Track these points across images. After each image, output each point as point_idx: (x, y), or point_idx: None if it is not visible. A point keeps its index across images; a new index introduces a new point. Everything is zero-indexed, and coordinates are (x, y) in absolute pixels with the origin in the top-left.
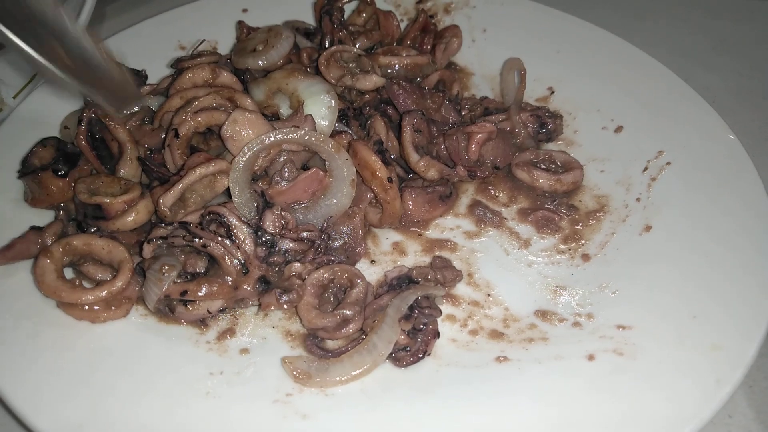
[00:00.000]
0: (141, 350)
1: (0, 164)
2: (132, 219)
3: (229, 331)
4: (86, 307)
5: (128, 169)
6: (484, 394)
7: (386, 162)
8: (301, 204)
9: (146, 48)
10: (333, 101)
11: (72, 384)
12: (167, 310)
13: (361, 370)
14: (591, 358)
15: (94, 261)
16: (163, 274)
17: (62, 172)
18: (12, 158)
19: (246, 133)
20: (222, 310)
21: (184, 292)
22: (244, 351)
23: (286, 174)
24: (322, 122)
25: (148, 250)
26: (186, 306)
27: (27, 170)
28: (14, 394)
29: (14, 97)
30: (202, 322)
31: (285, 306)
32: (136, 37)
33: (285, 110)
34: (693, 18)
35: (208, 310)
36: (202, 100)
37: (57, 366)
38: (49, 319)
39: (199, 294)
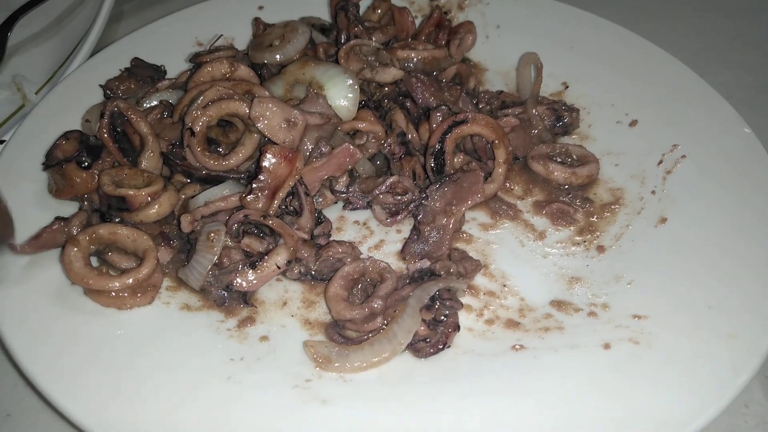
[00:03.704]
0: (163, 336)
1: (24, 157)
2: (155, 211)
3: (249, 320)
4: (113, 294)
5: (150, 162)
6: (500, 382)
7: (410, 153)
8: None
9: (164, 45)
10: (351, 80)
11: (97, 368)
12: (218, 286)
13: (380, 358)
14: (607, 346)
15: (119, 250)
16: (212, 240)
17: (86, 164)
18: (35, 151)
19: (272, 112)
20: (288, 262)
21: (247, 254)
22: (264, 338)
23: (323, 150)
24: (344, 102)
25: (185, 222)
26: (254, 268)
27: (51, 162)
28: (42, 378)
29: (36, 93)
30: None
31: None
32: (154, 35)
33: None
34: (708, 15)
35: (277, 266)
36: (207, 93)
37: (82, 351)
38: (75, 306)
39: (267, 244)
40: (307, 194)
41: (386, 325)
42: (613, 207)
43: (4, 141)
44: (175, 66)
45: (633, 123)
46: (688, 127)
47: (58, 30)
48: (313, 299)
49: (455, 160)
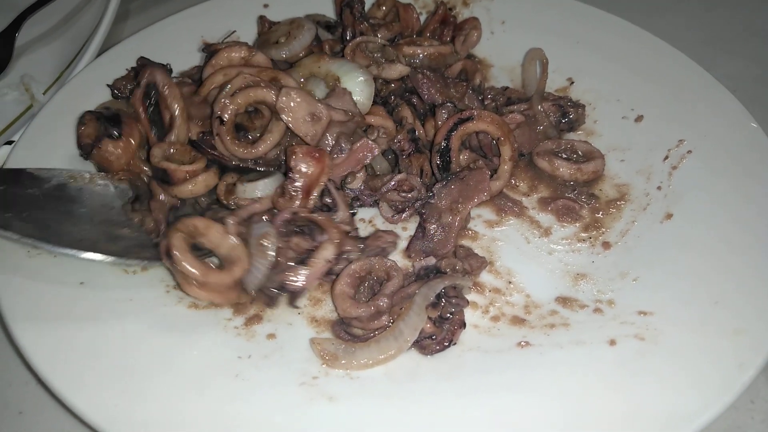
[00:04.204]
0: (172, 335)
1: (33, 157)
2: (189, 188)
3: (256, 318)
4: (219, 291)
5: (179, 135)
6: (505, 378)
7: (419, 150)
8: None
9: (170, 43)
10: (365, 75)
11: (107, 366)
12: (273, 288)
13: (386, 355)
14: (612, 343)
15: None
16: (264, 244)
17: (116, 134)
18: (44, 151)
19: (298, 104)
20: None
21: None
22: (271, 336)
23: (343, 146)
24: (359, 98)
25: (232, 230)
26: (305, 265)
27: (87, 150)
28: (53, 376)
29: (44, 93)
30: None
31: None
32: (160, 33)
33: (320, 94)
34: (715, 8)
35: (326, 260)
36: (234, 81)
37: (92, 349)
38: (85, 305)
39: (312, 241)
40: (337, 189)
41: (392, 323)
42: (618, 203)
43: (13, 141)
44: (182, 64)
45: (639, 118)
46: (694, 122)
47: (65, 30)
48: (320, 297)
49: (461, 157)
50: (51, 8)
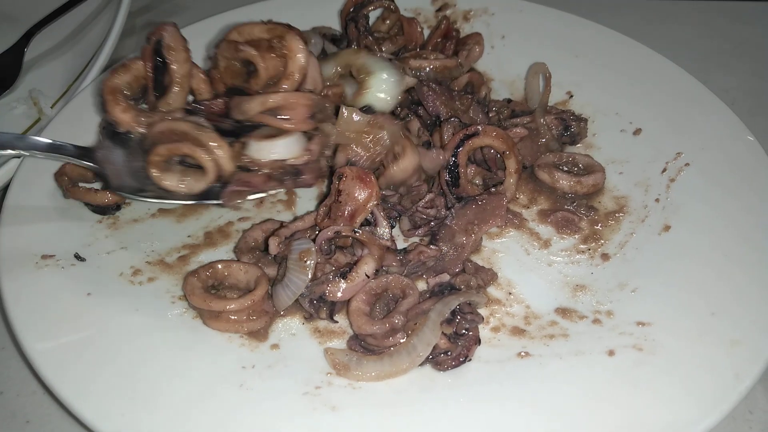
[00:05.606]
0: (178, 345)
1: (41, 170)
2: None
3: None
4: (232, 318)
5: (173, 102)
6: (506, 388)
7: None
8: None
9: None
10: (393, 75)
11: (114, 376)
12: (311, 298)
13: (398, 369)
14: (611, 353)
15: (229, 287)
16: (305, 261)
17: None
18: (52, 165)
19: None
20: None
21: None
22: (275, 346)
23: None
24: (383, 95)
25: (273, 245)
26: (345, 278)
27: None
28: (62, 386)
29: (52, 107)
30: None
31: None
32: None
33: (350, 92)
34: (712, 22)
35: (366, 275)
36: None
37: (99, 359)
38: (92, 316)
39: (351, 255)
40: (377, 204)
41: (406, 338)
42: (617, 215)
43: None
44: None
45: (637, 131)
46: (691, 135)
47: (73, 45)
48: None
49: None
50: (59, 24)
